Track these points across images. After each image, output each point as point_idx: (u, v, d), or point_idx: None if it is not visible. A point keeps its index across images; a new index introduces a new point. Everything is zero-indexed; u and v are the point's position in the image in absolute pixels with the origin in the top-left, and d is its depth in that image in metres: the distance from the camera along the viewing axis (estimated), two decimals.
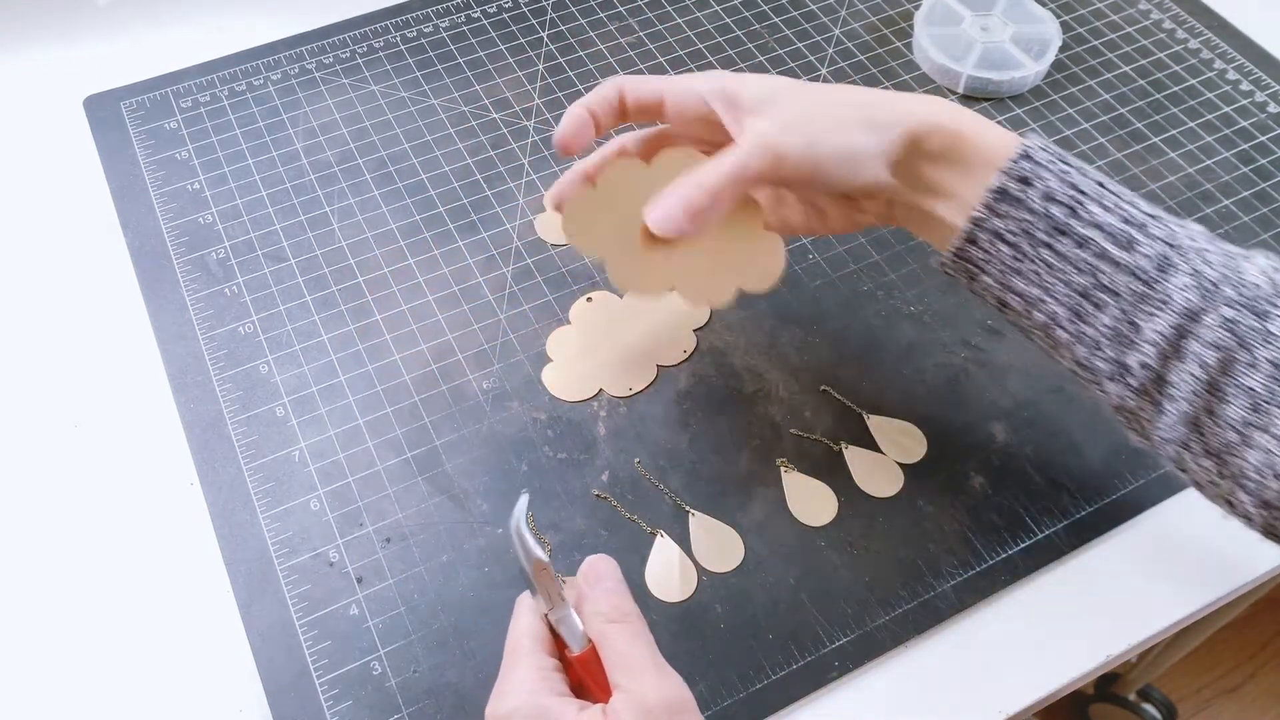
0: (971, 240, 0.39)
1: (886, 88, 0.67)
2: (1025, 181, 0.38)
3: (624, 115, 0.45)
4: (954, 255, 0.40)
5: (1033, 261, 0.38)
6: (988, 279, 0.40)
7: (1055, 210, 0.37)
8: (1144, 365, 0.37)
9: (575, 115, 0.43)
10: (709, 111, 0.42)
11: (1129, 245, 0.37)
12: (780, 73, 0.68)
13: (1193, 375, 0.36)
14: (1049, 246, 0.38)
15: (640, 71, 0.67)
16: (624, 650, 0.34)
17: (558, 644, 0.36)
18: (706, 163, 0.41)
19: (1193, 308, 0.36)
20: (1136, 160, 0.63)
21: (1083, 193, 0.37)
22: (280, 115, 0.64)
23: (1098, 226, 0.37)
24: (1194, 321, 0.36)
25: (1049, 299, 0.38)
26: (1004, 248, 0.39)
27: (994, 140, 0.39)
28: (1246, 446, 0.35)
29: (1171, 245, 0.37)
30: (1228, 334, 0.35)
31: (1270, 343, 0.35)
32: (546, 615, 0.36)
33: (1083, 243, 0.37)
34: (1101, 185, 0.38)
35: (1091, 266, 0.37)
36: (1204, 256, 0.36)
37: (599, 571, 0.37)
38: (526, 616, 0.37)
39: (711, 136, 0.43)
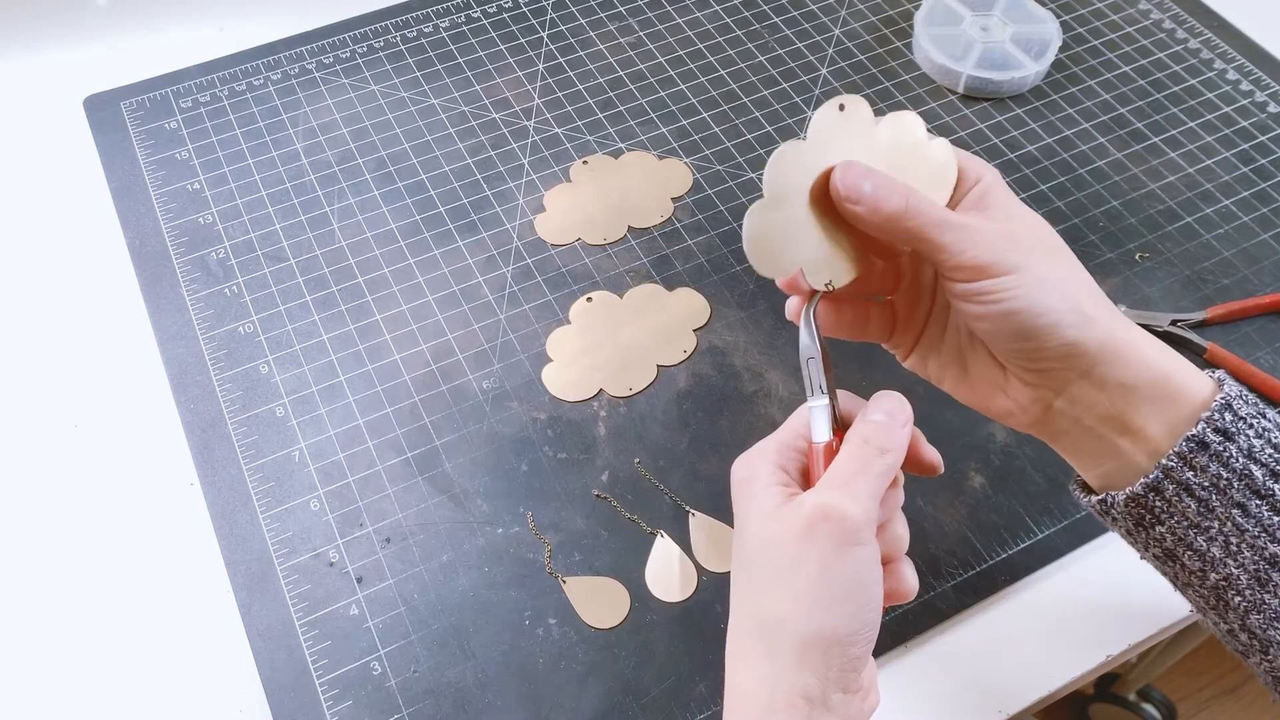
0: (1156, 489, 0.35)
1: (887, 87, 0.67)
2: (1226, 435, 0.34)
3: None
4: (1128, 500, 0.36)
5: (1221, 522, 0.34)
6: (1162, 529, 0.36)
7: (1256, 471, 0.34)
8: None
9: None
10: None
11: None
12: (780, 73, 0.68)
13: None
14: (1242, 508, 0.34)
15: (640, 72, 0.67)
16: (851, 471, 0.34)
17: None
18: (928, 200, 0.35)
19: None
20: (1136, 160, 0.63)
21: None
22: (280, 115, 0.64)
23: None
24: None
25: (1231, 562, 0.35)
26: (1190, 502, 0.35)
27: (1194, 384, 0.35)
28: None
29: None
30: None
31: None
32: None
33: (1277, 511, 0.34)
34: None
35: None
36: None
37: (889, 409, 0.36)
38: (799, 414, 0.38)
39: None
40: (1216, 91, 0.67)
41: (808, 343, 0.37)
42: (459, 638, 0.45)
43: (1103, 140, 0.64)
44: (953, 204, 0.37)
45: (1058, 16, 0.71)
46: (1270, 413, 0.35)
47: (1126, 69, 0.69)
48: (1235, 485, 0.34)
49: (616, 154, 0.63)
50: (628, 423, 0.52)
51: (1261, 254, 0.59)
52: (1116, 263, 0.58)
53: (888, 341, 0.42)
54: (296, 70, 0.67)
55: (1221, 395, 0.35)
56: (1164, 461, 0.35)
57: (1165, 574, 0.38)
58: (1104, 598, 0.47)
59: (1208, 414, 0.34)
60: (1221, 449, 0.34)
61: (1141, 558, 0.38)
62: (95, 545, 0.49)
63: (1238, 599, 0.35)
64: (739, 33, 0.70)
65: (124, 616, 0.47)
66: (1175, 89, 0.67)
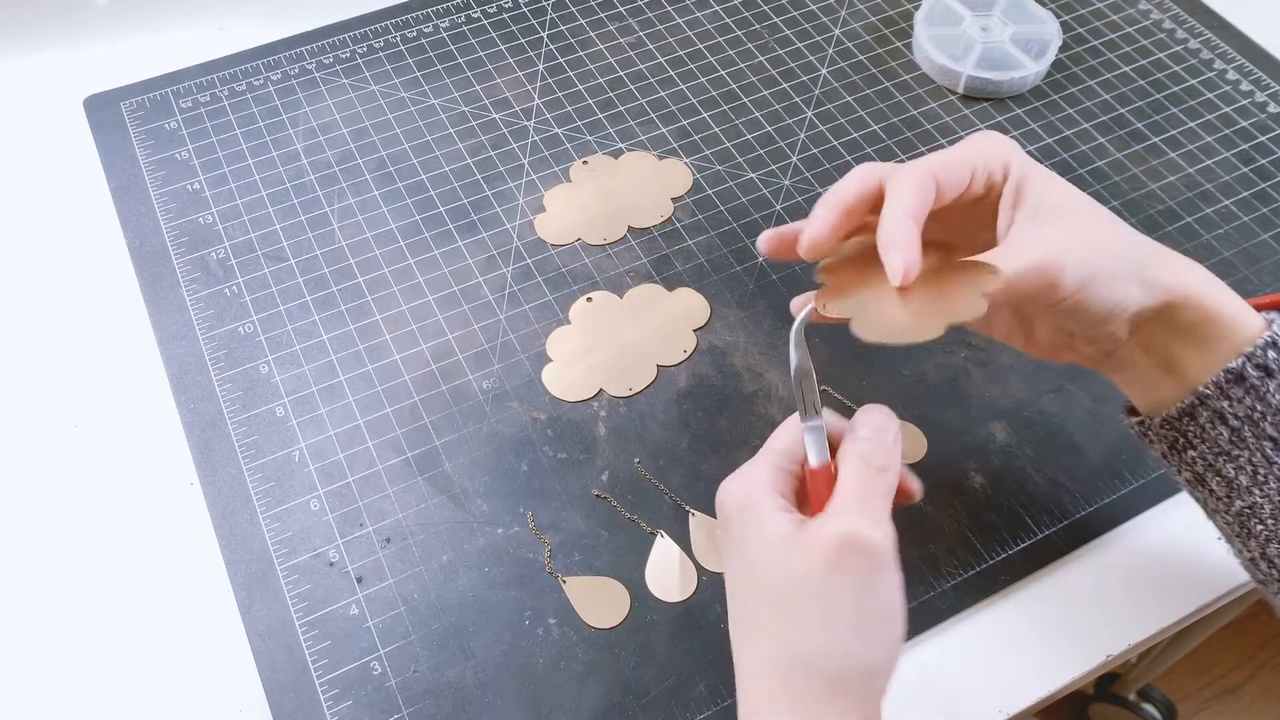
0: (1190, 414, 0.37)
1: (887, 87, 0.67)
2: (1267, 371, 0.35)
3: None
4: (1163, 422, 0.38)
5: (1252, 452, 0.36)
6: (1194, 454, 0.38)
7: None
8: None
9: (827, 219, 0.37)
10: (978, 190, 0.37)
11: None
12: (780, 73, 0.68)
13: None
14: (1273, 441, 0.35)
15: (639, 72, 0.67)
16: (861, 494, 0.33)
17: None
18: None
19: None
20: (1136, 160, 0.63)
21: None
22: (280, 115, 0.64)
23: None
24: None
25: (1257, 491, 0.36)
26: (1223, 430, 0.36)
27: (1245, 322, 0.36)
28: None
29: None
30: None
31: None
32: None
33: None
34: None
35: None
36: None
37: (879, 424, 0.35)
38: (791, 426, 0.37)
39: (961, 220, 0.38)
40: (1216, 91, 0.67)
41: (800, 362, 0.36)
42: (459, 638, 0.45)
43: (1103, 140, 0.64)
44: (991, 202, 0.38)
45: (1058, 16, 0.71)
46: None
47: (1126, 69, 0.69)
48: (1269, 419, 0.35)
49: (616, 154, 0.63)
50: (628, 423, 0.52)
51: (1261, 254, 0.59)
52: None
53: None
54: (296, 70, 0.67)
55: (1269, 334, 0.36)
56: (1200, 389, 0.36)
57: (1196, 498, 0.39)
58: (1104, 598, 0.47)
59: (1250, 349, 0.35)
60: (1259, 383, 0.35)
61: (1175, 480, 0.40)
62: (95, 545, 0.49)
63: (1260, 527, 0.36)
64: (739, 33, 0.70)
65: (124, 616, 0.47)
66: (1175, 89, 0.67)
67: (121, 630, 0.46)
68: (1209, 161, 0.63)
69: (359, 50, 0.68)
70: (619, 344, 0.54)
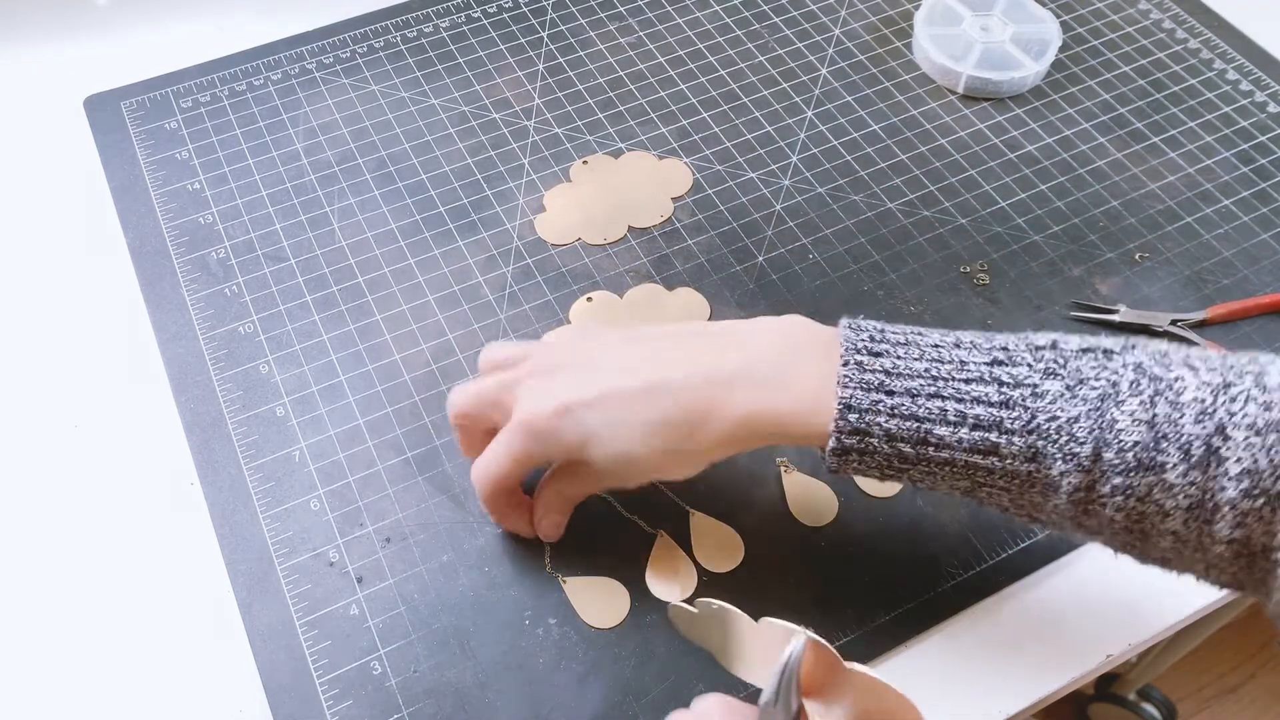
0: (841, 454, 0.38)
1: (887, 87, 0.67)
2: (860, 433, 0.37)
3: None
4: (831, 455, 0.38)
5: (911, 469, 0.37)
6: (872, 470, 0.39)
7: (904, 447, 0.36)
8: (1054, 522, 0.37)
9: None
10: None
11: (992, 450, 0.36)
12: (780, 73, 0.68)
13: (1114, 516, 0.35)
14: (914, 465, 0.37)
15: (639, 72, 0.67)
16: None
17: None
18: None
19: (1081, 484, 0.35)
20: (1136, 160, 0.63)
21: (921, 419, 0.36)
22: (280, 115, 0.64)
23: (950, 447, 0.36)
24: (1091, 492, 0.35)
25: (945, 488, 0.38)
26: (872, 468, 0.38)
27: (813, 406, 0.37)
28: None
29: (1030, 430, 0.35)
30: (1125, 499, 0.34)
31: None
32: None
33: (946, 462, 0.36)
34: (941, 396, 0.36)
35: (965, 473, 0.37)
36: (1072, 430, 0.34)
37: None
38: None
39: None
40: (1216, 91, 0.67)
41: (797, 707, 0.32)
42: (459, 638, 0.45)
43: (1103, 140, 0.64)
44: None
45: (1058, 16, 0.71)
46: (894, 374, 0.37)
47: (1126, 69, 0.69)
48: (895, 460, 0.37)
49: (616, 154, 0.63)
50: None
51: (1261, 254, 0.59)
52: (1116, 263, 0.58)
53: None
54: (296, 70, 0.67)
55: (837, 402, 0.37)
56: (827, 463, 0.38)
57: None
58: (1104, 598, 0.47)
59: (832, 428, 0.37)
60: (863, 445, 0.37)
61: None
62: (95, 545, 0.49)
63: (973, 502, 0.39)
64: (739, 33, 0.70)
65: (124, 616, 0.47)
66: (1175, 89, 0.67)
67: (121, 630, 0.46)
68: (1209, 161, 0.63)
69: (359, 50, 0.68)
70: None
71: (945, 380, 0.36)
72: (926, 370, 0.37)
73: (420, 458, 0.50)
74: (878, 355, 0.37)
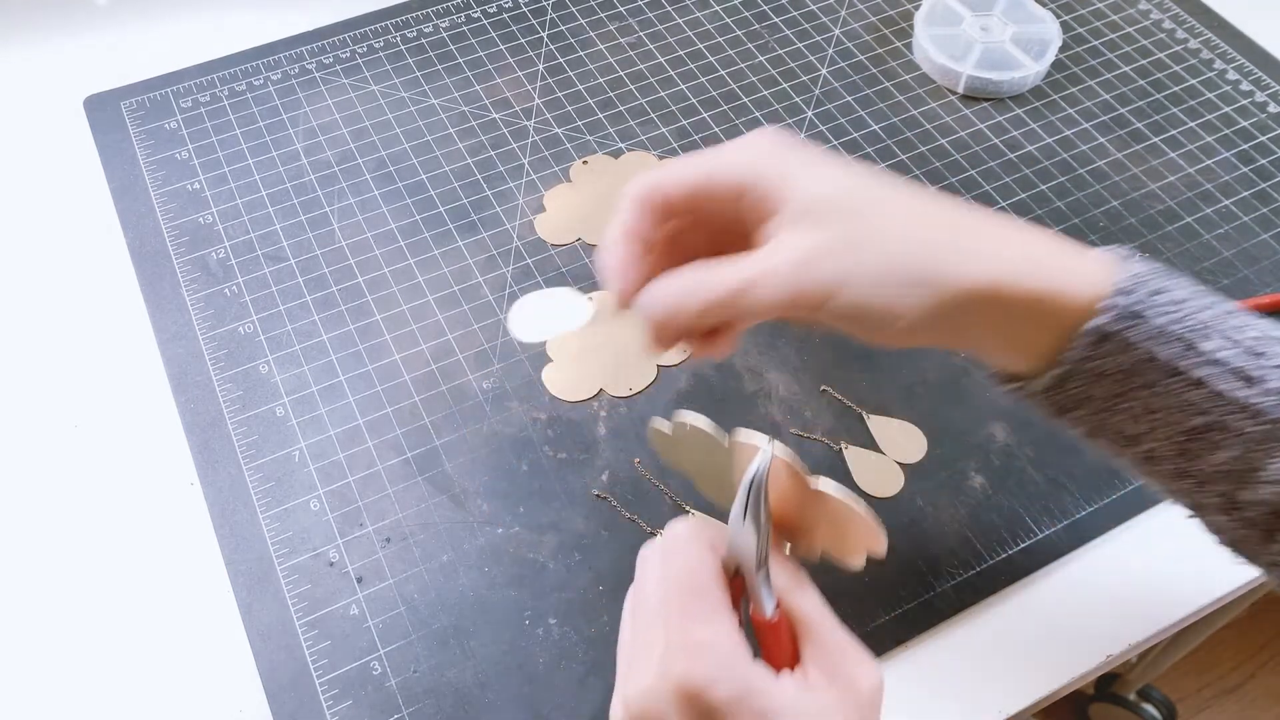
0: (1059, 386, 0.35)
1: (887, 87, 0.67)
2: (1134, 315, 0.33)
3: (671, 214, 0.37)
4: (1043, 391, 0.35)
5: (1135, 403, 0.34)
6: (1079, 414, 0.35)
7: (1163, 351, 0.33)
8: (1261, 502, 0.33)
9: (620, 255, 0.36)
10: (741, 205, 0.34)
11: (1251, 380, 0.32)
12: (780, 73, 0.68)
13: None
14: (1151, 388, 0.33)
15: (639, 72, 0.67)
16: (828, 629, 0.31)
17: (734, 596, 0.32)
18: (715, 269, 0.34)
19: None
20: (1136, 160, 0.63)
21: (1196, 328, 0.33)
22: (280, 115, 0.64)
23: (1215, 363, 0.32)
24: None
25: (1151, 439, 0.34)
26: (1098, 390, 0.34)
27: (1081, 287, 0.33)
28: None
29: None
30: None
31: None
32: (739, 568, 0.31)
33: (1198, 383, 0.33)
34: (1221, 311, 0.33)
35: (1207, 407, 0.33)
36: None
37: (791, 569, 0.33)
38: (700, 552, 0.31)
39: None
40: (1216, 91, 0.67)
41: (765, 519, 0.31)
42: (459, 638, 0.45)
43: (1103, 140, 0.64)
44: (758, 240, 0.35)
45: (1058, 16, 0.71)
46: (1177, 282, 0.34)
47: (1126, 69, 0.69)
48: (1144, 369, 0.33)
49: (616, 154, 0.63)
50: (628, 423, 0.52)
51: (1261, 254, 0.59)
52: None
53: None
54: (296, 70, 0.67)
55: (1114, 284, 0.33)
56: (1062, 358, 0.34)
57: (1095, 449, 0.37)
58: (1104, 598, 0.47)
59: (1104, 304, 0.33)
60: (1126, 334, 0.33)
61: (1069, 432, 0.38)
62: (95, 545, 0.49)
63: (1166, 468, 0.35)
64: (739, 33, 0.70)
65: (124, 616, 0.47)
66: (1175, 89, 0.67)
67: (122, 630, 0.46)
68: (1209, 161, 0.63)
69: (359, 50, 0.68)
70: (619, 344, 0.54)
71: (1230, 320, 0.33)
72: (1213, 307, 0.34)
73: (420, 458, 0.50)
74: (1143, 276, 0.34)
